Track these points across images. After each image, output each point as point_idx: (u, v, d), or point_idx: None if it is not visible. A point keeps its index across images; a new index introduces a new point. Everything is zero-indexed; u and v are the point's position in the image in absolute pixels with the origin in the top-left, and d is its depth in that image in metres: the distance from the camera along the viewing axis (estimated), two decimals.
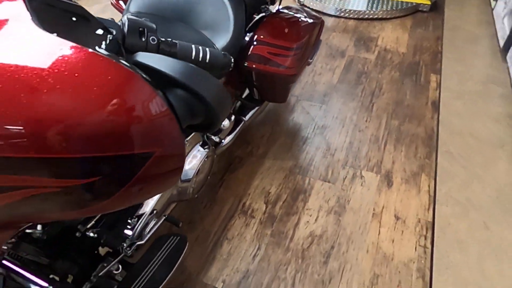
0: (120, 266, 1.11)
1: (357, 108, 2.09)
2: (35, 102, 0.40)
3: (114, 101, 0.43)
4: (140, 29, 0.69)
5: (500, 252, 1.30)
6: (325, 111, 2.06)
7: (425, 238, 1.48)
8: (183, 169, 1.30)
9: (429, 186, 1.68)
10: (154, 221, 1.19)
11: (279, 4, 1.60)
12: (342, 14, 2.89)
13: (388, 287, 1.32)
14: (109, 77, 0.46)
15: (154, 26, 0.71)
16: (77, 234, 1.01)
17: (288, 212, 1.56)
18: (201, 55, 0.72)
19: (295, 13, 1.59)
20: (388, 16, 2.90)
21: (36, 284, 0.90)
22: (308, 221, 1.52)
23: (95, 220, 1.03)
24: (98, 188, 0.45)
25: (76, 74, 0.44)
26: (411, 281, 1.34)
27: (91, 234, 0.99)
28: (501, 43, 2.27)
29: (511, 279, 1.23)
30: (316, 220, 1.53)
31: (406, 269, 1.38)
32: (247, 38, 1.42)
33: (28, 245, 0.86)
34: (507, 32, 2.21)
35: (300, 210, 1.57)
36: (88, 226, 1.00)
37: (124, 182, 0.47)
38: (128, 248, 1.06)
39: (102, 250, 1.14)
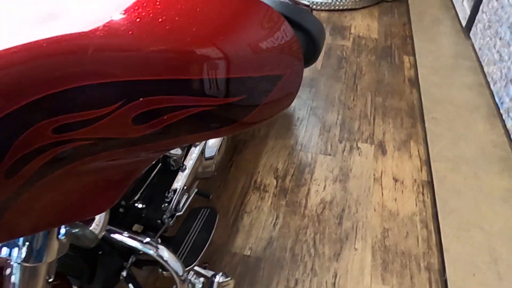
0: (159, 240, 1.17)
1: (343, 89, 2.24)
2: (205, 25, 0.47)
3: (270, 30, 0.51)
4: None
5: (492, 196, 1.47)
6: (315, 94, 2.20)
7: (423, 194, 1.64)
8: (207, 147, 1.38)
9: (418, 151, 1.85)
10: (186, 196, 1.26)
11: None
12: (314, 6, 3.06)
13: (398, 238, 1.47)
14: (265, 11, 0.55)
15: None
16: (120, 210, 1.06)
17: (297, 184, 1.67)
18: None
19: None
20: (356, 7, 3.10)
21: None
22: (317, 190, 1.64)
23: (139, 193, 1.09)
24: (243, 105, 0.52)
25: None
26: (416, 231, 1.49)
27: (139, 206, 1.05)
28: (463, 23, 2.51)
29: (504, 217, 1.40)
30: (324, 188, 1.65)
31: (411, 222, 1.53)
32: None
33: None
34: (468, 13, 2.46)
35: (308, 182, 1.68)
36: (136, 198, 1.06)
37: (259, 101, 0.55)
38: (170, 219, 1.13)
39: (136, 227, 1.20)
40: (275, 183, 1.68)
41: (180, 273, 0.81)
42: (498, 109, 1.84)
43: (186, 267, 1.10)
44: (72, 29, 0.42)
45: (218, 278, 0.91)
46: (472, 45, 2.34)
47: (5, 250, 0.60)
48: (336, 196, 1.62)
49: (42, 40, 0.39)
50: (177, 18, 0.47)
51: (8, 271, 0.61)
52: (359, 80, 2.33)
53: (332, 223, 1.51)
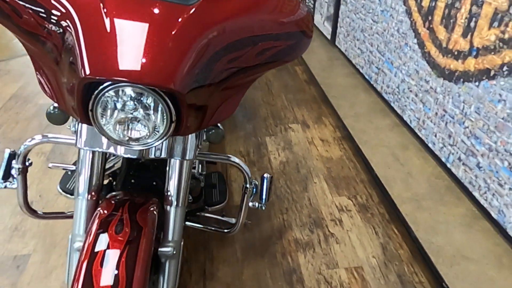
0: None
1: (263, 94, 2.94)
2: None
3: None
4: None
5: (382, 128, 2.28)
6: (244, 100, 2.84)
7: (342, 144, 2.37)
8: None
9: (329, 121, 2.61)
10: None
11: None
12: None
13: (337, 170, 2.14)
14: None
15: None
16: None
17: (259, 157, 2.24)
18: None
19: None
20: None
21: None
22: (275, 157, 2.24)
23: None
24: (295, 46, 1.06)
25: None
26: (347, 163, 2.19)
27: None
28: (328, 37, 3.49)
29: (393, 136, 2.20)
30: (279, 155, 2.26)
31: (341, 160, 2.23)
32: None
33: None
34: (330, 30, 3.44)
35: (266, 154, 2.27)
36: None
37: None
38: None
39: None
40: (243, 159, 2.22)
41: (249, 172, 1.28)
42: (369, 83, 2.73)
43: (220, 204, 1.57)
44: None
45: (266, 175, 1.38)
46: (339, 50, 3.30)
47: None
48: (289, 157, 2.25)
49: None
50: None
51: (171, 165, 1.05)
52: (271, 86, 3.06)
53: (294, 173, 2.12)
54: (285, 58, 1.09)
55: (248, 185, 1.27)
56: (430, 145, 1.96)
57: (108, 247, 0.86)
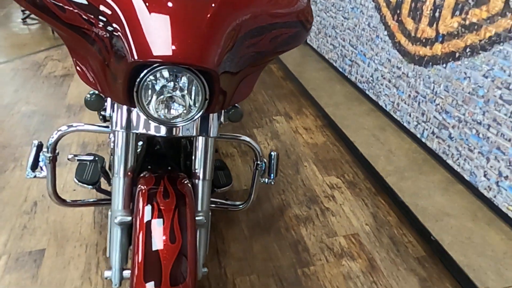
0: None
1: None
2: None
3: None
4: None
5: (359, 112, 2.49)
6: None
7: (324, 132, 2.56)
8: None
9: (309, 111, 2.80)
10: None
11: None
12: None
13: (324, 154, 2.32)
14: None
15: None
16: None
17: (248, 148, 2.38)
18: None
19: None
20: None
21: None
22: (265, 146, 2.39)
23: None
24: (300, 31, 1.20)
25: None
26: (331, 147, 2.38)
27: None
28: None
29: (368, 121, 2.42)
30: (268, 144, 2.42)
31: (325, 145, 2.41)
32: None
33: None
34: None
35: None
36: None
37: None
38: None
39: None
40: (236, 151, 2.36)
41: (260, 150, 1.41)
42: (343, 75, 2.96)
43: (228, 186, 1.69)
44: None
45: (273, 153, 1.51)
46: (311, 47, 3.52)
47: None
48: (278, 145, 2.41)
49: None
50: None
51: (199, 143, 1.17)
52: None
53: (285, 158, 2.28)
54: (292, 44, 1.25)
55: (259, 162, 1.41)
56: (405, 124, 2.19)
57: (159, 215, 0.97)
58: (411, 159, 2.04)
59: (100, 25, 0.99)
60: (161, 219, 0.96)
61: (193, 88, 0.98)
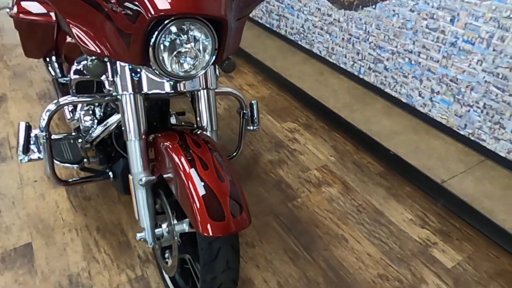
0: None
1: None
2: None
3: None
4: None
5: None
6: None
7: (267, 85, 2.71)
8: None
9: (247, 69, 2.91)
10: None
11: None
12: None
13: (275, 103, 2.48)
14: None
15: None
16: None
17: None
18: None
19: None
20: None
21: None
22: (218, 107, 2.46)
23: None
24: None
25: None
26: (278, 98, 2.55)
27: None
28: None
29: (300, 63, 2.64)
30: (220, 104, 2.49)
31: (270, 96, 2.57)
32: None
33: None
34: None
35: None
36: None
37: None
38: None
39: None
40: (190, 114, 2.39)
41: (245, 100, 1.49)
42: (271, 30, 3.10)
43: None
44: None
45: (254, 101, 1.59)
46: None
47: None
48: (229, 104, 2.50)
49: None
50: None
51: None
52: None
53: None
54: None
55: (245, 111, 1.51)
56: (342, 65, 2.45)
57: (201, 161, 1.03)
58: (353, 94, 2.31)
59: None
60: (205, 164, 1.02)
61: (201, 40, 1.03)
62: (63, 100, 1.21)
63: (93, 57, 1.09)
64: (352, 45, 2.30)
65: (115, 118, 1.47)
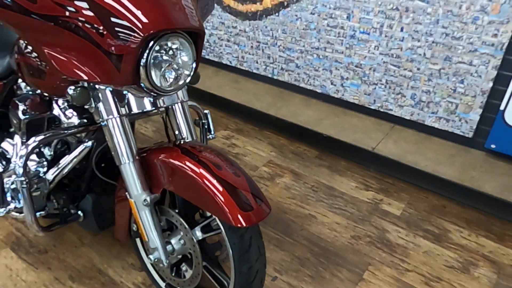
0: None
1: None
2: None
3: None
4: None
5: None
6: None
7: None
8: None
9: None
10: None
11: None
12: None
13: None
14: None
15: None
16: None
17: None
18: None
19: None
20: None
21: None
22: (146, 130, 2.43)
23: None
24: None
25: None
26: None
27: None
28: None
29: (212, 76, 2.78)
30: (148, 128, 2.46)
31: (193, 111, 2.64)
32: None
33: None
34: None
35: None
36: None
37: None
38: None
39: None
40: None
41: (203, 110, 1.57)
42: None
43: None
44: None
45: (207, 111, 1.66)
46: None
47: None
48: (157, 126, 2.48)
49: None
50: None
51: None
52: None
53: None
54: None
55: (204, 121, 1.59)
56: (255, 71, 2.66)
57: (215, 164, 1.08)
58: (273, 94, 2.54)
59: (80, 9, 0.96)
60: (217, 165, 1.08)
61: (183, 53, 1.09)
62: (38, 138, 1.12)
63: (76, 86, 1.06)
64: (262, 51, 2.53)
65: (74, 154, 1.39)
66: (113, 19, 0.97)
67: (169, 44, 1.04)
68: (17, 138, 1.46)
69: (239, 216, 1.01)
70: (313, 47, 2.28)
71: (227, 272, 1.22)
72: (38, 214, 1.36)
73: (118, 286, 1.47)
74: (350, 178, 2.04)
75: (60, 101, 1.33)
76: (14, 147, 1.47)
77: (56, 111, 1.33)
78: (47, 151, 1.45)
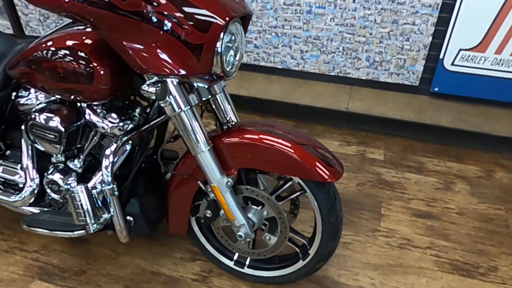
0: None
1: None
2: None
3: None
4: None
5: None
6: None
7: None
8: None
9: None
10: None
11: None
12: None
13: None
14: None
15: None
16: None
17: None
18: None
19: None
20: None
21: None
22: None
23: None
24: None
25: None
26: None
27: None
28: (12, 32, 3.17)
29: None
30: None
31: None
32: None
33: None
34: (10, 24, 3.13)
35: None
36: None
37: None
38: None
39: None
40: None
41: None
42: None
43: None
44: None
45: None
46: None
47: None
48: None
49: None
50: None
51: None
52: None
53: None
54: None
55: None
56: None
57: (285, 133, 1.20)
58: (235, 76, 2.62)
59: (167, 2, 0.98)
60: (291, 134, 1.20)
61: (238, 37, 1.17)
62: (119, 142, 1.09)
63: (154, 82, 1.05)
64: None
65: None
66: (193, 10, 1.01)
67: (233, 29, 1.11)
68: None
69: (327, 173, 1.15)
70: (270, 26, 2.42)
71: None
72: (96, 225, 1.29)
73: (180, 281, 1.48)
74: (331, 138, 2.29)
75: (90, 107, 1.27)
76: (52, 165, 1.37)
77: (91, 117, 1.27)
78: (77, 163, 1.37)
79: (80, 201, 1.06)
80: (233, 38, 1.13)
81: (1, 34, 1.60)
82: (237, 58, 1.18)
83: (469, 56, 2.16)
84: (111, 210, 1.11)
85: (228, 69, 1.14)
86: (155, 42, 1.01)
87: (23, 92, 1.37)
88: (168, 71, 1.04)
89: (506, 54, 2.10)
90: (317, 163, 1.15)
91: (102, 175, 1.08)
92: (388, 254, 1.59)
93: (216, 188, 1.20)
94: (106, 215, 1.12)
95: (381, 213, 1.79)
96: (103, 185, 1.08)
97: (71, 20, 1.30)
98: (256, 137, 1.20)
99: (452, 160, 2.13)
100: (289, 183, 1.28)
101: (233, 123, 1.34)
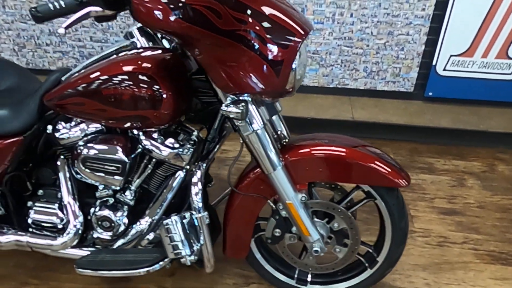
0: None
1: None
2: None
3: None
4: None
5: None
6: None
7: None
8: None
9: None
10: None
11: None
12: None
13: None
14: None
15: None
16: None
17: None
18: None
19: None
20: None
21: None
22: None
23: None
24: None
25: None
26: None
27: None
28: None
29: None
30: None
31: None
32: None
33: None
34: None
35: None
36: None
37: None
38: None
39: None
40: None
41: None
42: None
43: None
44: None
45: None
46: None
47: None
48: None
49: None
50: None
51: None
52: None
53: None
54: None
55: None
56: None
57: (353, 144, 1.23)
58: None
59: (251, 21, 0.97)
60: (356, 144, 1.23)
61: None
62: (203, 167, 1.04)
63: (235, 101, 1.03)
64: None
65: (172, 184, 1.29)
66: (275, 27, 1.00)
67: (302, 45, 1.12)
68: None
69: (400, 178, 1.18)
70: None
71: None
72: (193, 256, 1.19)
73: None
74: None
75: (146, 134, 1.21)
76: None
77: (150, 144, 1.20)
78: (128, 195, 1.28)
79: (176, 232, 0.99)
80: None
81: (20, 69, 1.49)
82: (303, 73, 1.19)
83: (459, 61, 2.34)
84: (201, 238, 1.05)
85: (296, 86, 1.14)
86: (244, 61, 0.99)
87: (63, 123, 1.26)
88: (253, 90, 1.02)
89: (491, 58, 2.30)
90: (389, 169, 1.19)
91: (191, 203, 1.02)
92: (431, 253, 1.65)
93: (291, 205, 1.18)
94: (197, 245, 1.05)
95: (411, 214, 1.85)
96: (194, 213, 1.02)
97: (110, 51, 1.23)
98: (325, 150, 1.21)
99: (456, 158, 2.27)
100: (354, 192, 1.29)
101: (287, 139, 1.34)
